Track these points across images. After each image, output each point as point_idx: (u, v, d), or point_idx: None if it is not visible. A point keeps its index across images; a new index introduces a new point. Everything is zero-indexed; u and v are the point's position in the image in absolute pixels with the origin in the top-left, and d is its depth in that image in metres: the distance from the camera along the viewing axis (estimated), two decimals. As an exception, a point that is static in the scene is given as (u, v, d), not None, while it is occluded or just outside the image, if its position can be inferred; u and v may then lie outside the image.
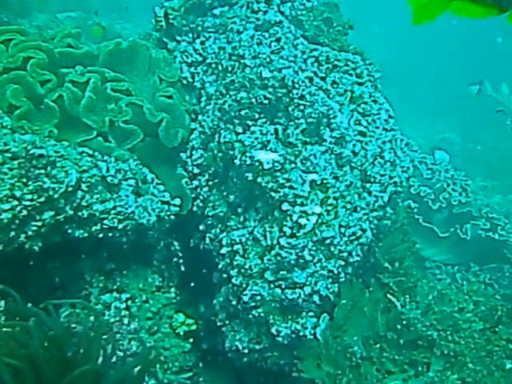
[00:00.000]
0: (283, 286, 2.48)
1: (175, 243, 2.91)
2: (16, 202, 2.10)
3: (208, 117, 2.86)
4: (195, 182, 2.87)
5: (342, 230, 2.54)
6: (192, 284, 2.97)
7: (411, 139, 5.95)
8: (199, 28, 3.25)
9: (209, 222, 2.80)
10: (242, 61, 2.70)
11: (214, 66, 3.01)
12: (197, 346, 2.84)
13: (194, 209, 2.85)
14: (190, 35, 3.30)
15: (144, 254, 2.76)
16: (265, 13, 3.19)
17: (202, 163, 2.86)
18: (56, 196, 2.18)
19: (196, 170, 2.88)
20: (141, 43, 3.24)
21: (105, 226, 2.36)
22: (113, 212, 2.37)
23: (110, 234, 2.39)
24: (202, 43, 3.20)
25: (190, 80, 3.16)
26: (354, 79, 3.08)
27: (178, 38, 3.35)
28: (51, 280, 2.56)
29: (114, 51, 3.20)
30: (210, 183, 2.84)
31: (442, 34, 13.65)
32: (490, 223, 4.71)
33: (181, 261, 2.90)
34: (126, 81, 3.00)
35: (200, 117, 2.97)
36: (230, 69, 2.78)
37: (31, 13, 7.60)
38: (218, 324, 2.71)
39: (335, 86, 2.97)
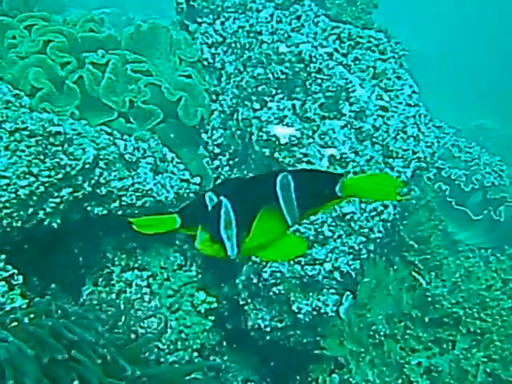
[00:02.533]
0: (303, 263, 2.45)
1: (198, 223, 2.89)
2: (33, 179, 2.12)
3: (227, 96, 2.85)
4: (216, 162, 2.86)
5: (363, 205, 2.49)
6: (215, 265, 2.96)
7: (444, 122, 5.84)
8: (219, 9, 3.24)
9: (230, 201, 2.78)
10: (259, 37, 2.68)
11: (233, 45, 3.00)
12: (221, 325, 2.83)
13: (216, 189, 2.84)
14: (211, 16, 3.29)
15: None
16: (284, -8, 3.17)
17: (222, 143, 2.85)
18: (73, 173, 2.20)
19: (217, 150, 2.87)
20: (161, 25, 3.24)
21: (123, 203, 2.37)
22: (131, 189, 2.38)
23: (129, 211, 2.40)
24: (222, 24, 3.18)
25: (211, 61, 3.15)
26: (376, 56, 3.03)
27: (198, 19, 3.34)
28: (75, 259, 2.59)
29: (134, 34, 3.21)
30: (231, 162, 2.83)
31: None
32: (525, 206, 4.58)
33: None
34: (147, 62, 3.01)
35: (220, 97, 2.96)
36: (247, 46, 2.76)
37: (66, 9, 7.70)
38: (241, 303, 2.70)
39: (357, 62, 2.92)
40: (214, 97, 3.02)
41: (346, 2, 3.50)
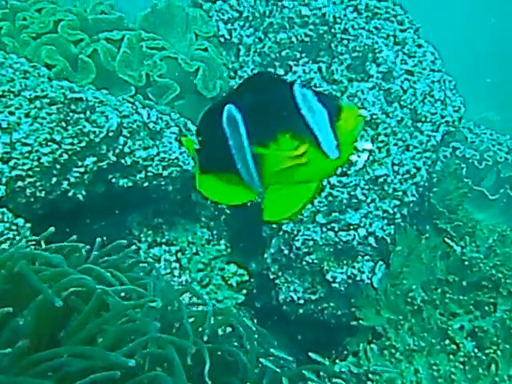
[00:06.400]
0: (336, 229, 2.38)
1: (223, 201, 2.82)
2: (56, 146, 2.04)
3: (248, 67, 2.77)
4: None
5: (396, 168, 2.42)
6: (242, 243, 2.88)
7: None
8: (233, -16, 3.17)
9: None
10: (279, 3, 2.61)
11: (250, 18, 2.93)
12: (250, 304, 2.75)
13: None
14: (225, -7, 3.23)
15: (192, 210, 2.68)
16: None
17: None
18: (97, 140, 2.12)
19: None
20: (177, 4, 3.18)
21: (149, 174, 2.29)
22: (157, 158, 2.30)
23: (155, 182, 2.32)
24: (238, -2, 3.12)
25: (228, 37, 3.07)
26: (395, 26, 2.97)
27: (212, -3, 3.28)
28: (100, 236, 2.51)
29: (150, 14, 3.15)
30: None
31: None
32: (542, 181, 4.52)
33: (229, 219, 2.82)
34: (161, 39, 2.94)
35: (239, 72, 2.89)
36: (267, 13, 2.69)
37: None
38: (271, 277, 2.62)
39: (377, 31, 2.86)
40: (232, 74, 2.95)
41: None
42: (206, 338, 1.54)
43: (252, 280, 2.76)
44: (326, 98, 1.20)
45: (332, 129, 1.18)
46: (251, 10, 2.90)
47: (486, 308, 2.39)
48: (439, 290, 2.48)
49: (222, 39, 3.08)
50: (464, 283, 2.47)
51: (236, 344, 1.74)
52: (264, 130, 1.21)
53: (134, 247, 1.92)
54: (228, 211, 2.85)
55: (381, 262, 2.57)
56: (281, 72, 2.49)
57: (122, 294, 1.51)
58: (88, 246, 1.71)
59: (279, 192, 1.25)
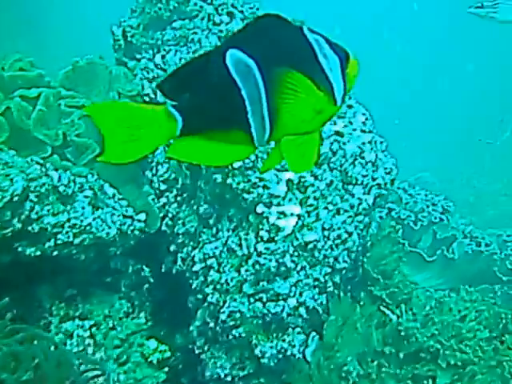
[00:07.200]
0: (264, 299, 2.21)
1: (146, 268, 2.63)
2: (-48, 213, 1.83)
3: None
4: (163, 200, 2.62)
5: (326, 233, 2.30)
6: (166, 313, 2.68)
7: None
8: (159, 42, 3.07)
9: (179, 241, 2.54)
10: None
11: (176, 75, 2.81)
12: (175, 381, 2.53)
13: (164, 228, 2.59)
14: (150, 51, 3.12)
15: (110, 279, 2.48)
16: (227, 23, 3.05)
17: (168, 178, 2.62)
18: (0, 205, 1.92)
19: (163, 187, 2.64)
20: (99, 62, 3.05)
21: (59, 242, 2.09)
22: (67, 225, 2.10)
23: (66, 251, 2.11)
24: (163, 57, 3.01)
25: (153, 96, 2.94)
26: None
27: (137, 56, 3.16)
28: (7, 310, 2.27)
29: (71, 72, 3.00)
30: (179, 199, 2.59)
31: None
32: (475, 242, 4.53)
33: (152, 287, 2.62)
34: (82, 97, 2.79)
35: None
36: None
37: None
38: (197, 352, 2.41)
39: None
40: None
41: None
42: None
43: (178, 354, 2.57)
44: (335, 45, 1.15)
45: (342, 77, 1.15)
46: (176, 69, 2.79)
47: (425, 382, 2.26)
48: (375, 363, 2.34)
49: (146, 98, 2.94)
50: (401, 355, 2.33)
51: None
52: (280, 78, 1.09)
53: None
54: (152, 279, 2.66)
55: (313, 333, 2.42)
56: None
57: None
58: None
59: (295, 143, 1.17)
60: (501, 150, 9.68)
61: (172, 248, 2.58)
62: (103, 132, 1.08)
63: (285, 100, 1.11)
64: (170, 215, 2.59)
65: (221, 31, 3.02)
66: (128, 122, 1.07)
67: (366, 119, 2.81)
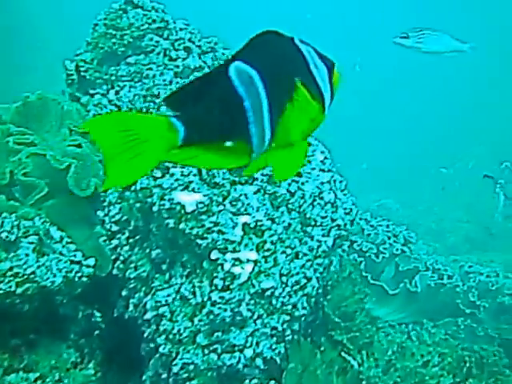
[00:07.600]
0: (219, 351, 2.11)
1: (96, 314, 2.51)
2: None
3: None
4: (114, 242, 2.51)
5: (284, 278, 2.21)
6: (118, 362, 2.55)
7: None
8: (113, 77, 2.99)
9: (131, 286, 2.43)
10: (157, 100, 2.43)
11: (129, 114, 2.72)
12: None
13: (115, 272, 2.48)
14: (104, 87, 3.03)
15: (58, 326, 2.34)
16: (184, 59, 2.98)
17: (120, 219, 2.51)
18: None
19: (115, 228, 2.52)
20: (51, 97, 2.94)
21: (0, 292, 1.96)
22: (9, 274, 1.97)
23: (8, 301, 1.98)
24: (117, 93, 2.92)
25: (106, 132, 2.84)
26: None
27: (91, 91, 3.06)
28: None
29: (21, 107, 2.89)
30: (131, 241, 2.48)
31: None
32: (438, 274, 4.51)
33: (103, 334, 2.50)
34: (32, 134, 2.68)
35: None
36: (144, 110, 2.49)
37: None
38: (149, 405, 2.29)
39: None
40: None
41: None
42: None
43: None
44: (321, 55, 1.20)
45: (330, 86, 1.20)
46: (129, 106, 2.70)
47: (387, 434, 2.18)
48: (336, 413, 2.25)
49: (100, 135, 2.84)
50: (362, 405, 2.25)
51: None
52: (281, 89, 1.13)
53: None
54: (103, 325, 2.53)
55: (273, 382, 2.32)
56: (157, 174, 2.26)
57: None
58: None
59: (281, 149, 1.18)
60: (463, 176, 9.81)
61: (124, 293, 2.46)
62: (103, 150, 1.02)
63: (287, 110, 1.13)
64: (121, 258, 2.48)
65: (177, 66, 2.95)
66: (128, 132, 1.02)
67: (325, 158, 2.76)
